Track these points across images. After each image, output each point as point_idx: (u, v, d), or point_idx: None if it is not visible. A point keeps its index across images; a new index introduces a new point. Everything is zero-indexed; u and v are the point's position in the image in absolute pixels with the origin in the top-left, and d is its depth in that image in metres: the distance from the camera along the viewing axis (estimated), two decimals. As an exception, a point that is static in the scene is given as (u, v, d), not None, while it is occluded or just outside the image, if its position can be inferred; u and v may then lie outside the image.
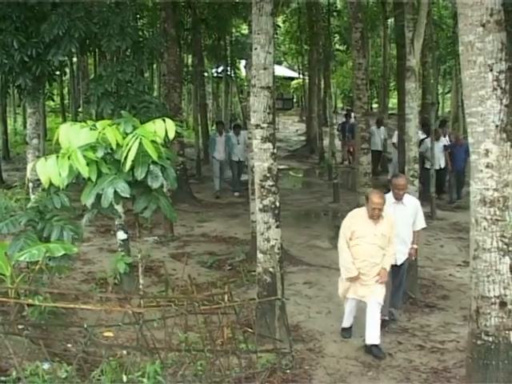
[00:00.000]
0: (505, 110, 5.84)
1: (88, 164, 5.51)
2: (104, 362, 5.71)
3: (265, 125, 7.86)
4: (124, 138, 5.56)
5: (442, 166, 18.05)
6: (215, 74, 33.23)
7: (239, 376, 6.64)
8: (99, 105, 10.65)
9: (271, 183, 7.99)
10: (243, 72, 40.51)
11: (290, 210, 16.65)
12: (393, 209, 8.58)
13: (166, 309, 6.11)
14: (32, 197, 8.78)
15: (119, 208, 10.35)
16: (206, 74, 29.68)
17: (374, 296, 8.01)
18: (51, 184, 5.66)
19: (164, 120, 5.78)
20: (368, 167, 13.32)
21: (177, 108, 17.24)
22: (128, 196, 5.67)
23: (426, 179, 16.26)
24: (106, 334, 6.90)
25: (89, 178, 5.61)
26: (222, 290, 7.14)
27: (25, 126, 28.09)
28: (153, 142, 5.52)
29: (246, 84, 40.53)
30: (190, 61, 31.96)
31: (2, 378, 5.27)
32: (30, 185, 11.54)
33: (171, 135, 5.74)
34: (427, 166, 17.04)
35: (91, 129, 5.75)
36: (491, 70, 5.83)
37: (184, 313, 6.06)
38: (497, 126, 5.86)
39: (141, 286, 6.71)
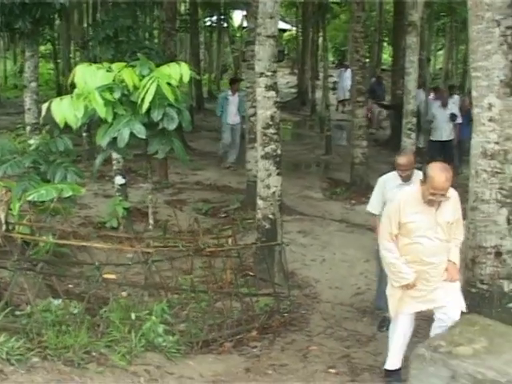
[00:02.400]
0: (510, 65, 5.96)
1: (105, 105, 5.60)
2: (113, 300, 5.89)
3: (269, 73, 7.96)
4: (140, 81, 5.64)
5: (446, 139, 15.03)
6: (208, 24, 32.94)
7: (239, 318, 6.86)
8: (100, 50, 10.69)
9: (273, 131, 8.10)
10: (236, 22, 40.39)
11: (283, 161, 16.75)
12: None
13: (173, 249, 6.29)
14: (31, 141, 8.84)
15: (117, 154, 10.50)
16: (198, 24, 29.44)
17: (452, 301, 5.75)
18: (66, 124, 5.75)
19: (179, 64, 5.88)
20: (363, 120, 13.46)
21: (173, 56, 17.20)
22: (144, 137, 5.79)
23: (433, 152, 14.33)
24: (107, 275, 7.05)
25: (104, 119, 5.71)
26: (226, 234, 7.25)
27: (20, 71, 28.00)
28: (169, 84, 5.62)
29: (238, 35, 40.37)
30: (182, 9, 31.72)
31: (17, 313, 5.44)
32: (28, 128, 11.63)
33: (186, 79, 5.86)
34: (432, 137, 15.25)
35: (107, 71, 5.83)
36: (499, 25, 5.93)
37: (190, 254, 6.23)
38: (501, 81, 5.99)
39: (150, 227, 6.87)
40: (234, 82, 17.35)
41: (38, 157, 8.02)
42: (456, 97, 18.43)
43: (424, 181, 5.52)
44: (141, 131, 5.71)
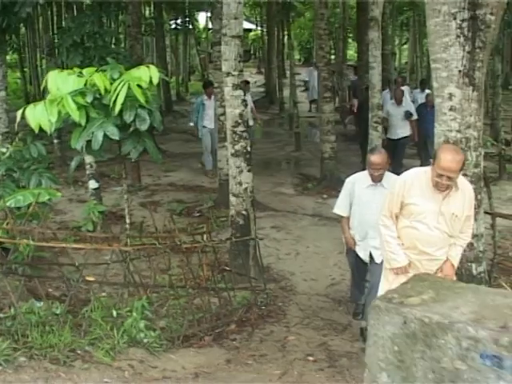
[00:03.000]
0: (467, 56, 6.20)
1: (78, 109, 5.76)
2: (94, 299, 6.04)
3: (236, 72, 8.13)
4: (111, 84, 5.82)
5: (400, 136, 14.36)
6: (173, 26, 33.07)
7: (218, 312, 7.03)
8: (68, 56, 10.79)
9: (242, 129, 8.28)
10: (201, 24, 40.51)
11: (254, 159, 16.93)
12: (371, 192, 6.70)
13: (150, 247, 6.45)
14: (2, 149, 8.94)
15: (90, 158, 10.64)
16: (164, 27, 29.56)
17: None
18: (40, 129, 5.89)
19: (148, 67, 6.06)
20: (331, 115, 13.71)
21: (140, 60, 17.30)
22: (117, 138, 5.96)
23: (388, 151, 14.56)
24: (88, 278, 7.16)
25: (78, 123, 5.87)
26: (201, 231, 7.43)
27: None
28: (139, 86, 5.80)
29: (203, 36, 40.36)
30: (147, 13, 31.80)
31: (0, 315, 5.57)
32: None
33: (155, 81, 6.03)
34: (388, 135, 14.38)
35: (78, 76, 5.99)
36: (455, 19, 6.17)
37: (167, 251, 6.40)
38: (460, 72, 6.24)
39: (127, 226, 7.02)
40: (209, 86, 16.09)
41: (11, 164, 8.13)
42: (405, 87, 18.39)
43: (433, 163, 5.24)
44: (114, 133, 5.88)
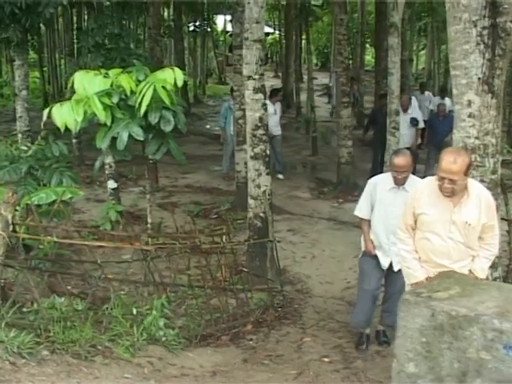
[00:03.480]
0: (487, 63, 6.25)
1: (104, 109, 5.89)
2: (115, 296, 6.15)
3: (257, 76, 8.23)
4: (137, 86, 5.94)
5: (405, 146, 12.39)
6: (192, 29, 33.23)
7: (235, 312, 7.13)
8: (90, 57, 10.94)
9: (262, 132, 8.38)
10: (219, 27, 40.68)
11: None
12: (392, 196, 6.46)
13: (171, 247, 6.56)
14: (22, 147, 9.07)
15: (109, 158, 10.77)
16: (182, 29, 29.74)
17: None
18: (66, 128, 6.02)
19: (172, 69, 6.18)
20: (348, 120, 13.80)
21: (159, 62, 17.44)
22: (142, 139, 6.08)
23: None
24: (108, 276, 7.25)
25: (103, 123, 5.99)
26: (220, 232, 7.53)
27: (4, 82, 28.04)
28: (163, 88, 5.92)
29: (221, 39, 40.42)
30: (166, 15, 32.00)
31: (24, 309, 5.69)
32: (20, 135, 11.88)
33: (179, 83, 6.14)
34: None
35: (104, 77, 6.12)
36: (475, 26, 6.22)
37: (187, 251, 6.51)
38: (479, 79, 6.28)
39: (149, 225, 7.13)
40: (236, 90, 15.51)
41: (33, 162, 8.27)
42: (427, 94, 18.52)
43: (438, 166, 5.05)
44: (139, 133, 6.01)
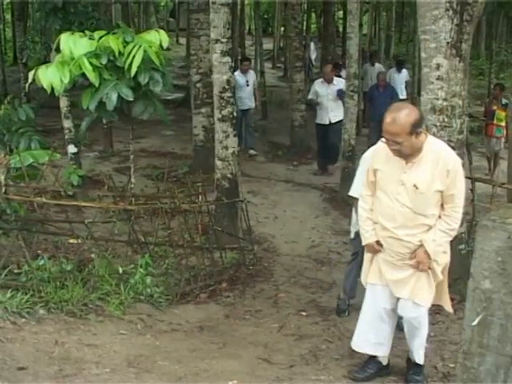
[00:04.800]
0: (455, 28, 6.53)
1: (93, 70, 5.97)
2: (100, 256, 6.29)
3: (224, 40, 8.33)
4: (124, 47, 6.03)
5: (333, 121, 12.61)
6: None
7: (210, 271, 7.33)
8: (47, 20, 10.82)
9: (229, 94, 8.51)
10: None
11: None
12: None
13: (152, 207, 6.70)
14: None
15: (69, 123, 10.76)
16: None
17: (412, 294, 4.82)
18: (52, 90, 6.07)
19: (157, 31, 6.28)
20: (301, 84, 14.04)
21: (116, 25, 17.24)
22: (131, 99, 6.18)
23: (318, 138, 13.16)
24: (72, 240, 7.35)
25: (90, 84, 6.06)
26: (197, 191, 7.70)
27: None
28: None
29: (162, 5, 39.87)
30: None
31: (15, 271, 5.77)
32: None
33: (165, 44, 6.25)
34: (316, 120, 13.06)
35: (90, 38, 6.18)
36: (444, -8, 6.50)
37: (168, 211, 6.67)
38: (448, 43, 6.56)
39: (132, 185, 7.24)
40: (246, 62, 14.56)
41: (1, 127, 8.25)
42: (404, 72, 17.06)
43: None
44: (128, 94, 6.12)
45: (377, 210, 4.87)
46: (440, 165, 4.55)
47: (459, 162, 4.73)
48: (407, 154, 4.57)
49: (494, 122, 13.22)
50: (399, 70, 16.88)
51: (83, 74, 6.13)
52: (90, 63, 5.94)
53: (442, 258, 4.80)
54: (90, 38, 6.21)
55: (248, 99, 14.04)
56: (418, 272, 4.76)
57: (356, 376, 5.12)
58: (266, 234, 9.41)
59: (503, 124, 12.91)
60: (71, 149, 10.93)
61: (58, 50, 6.36)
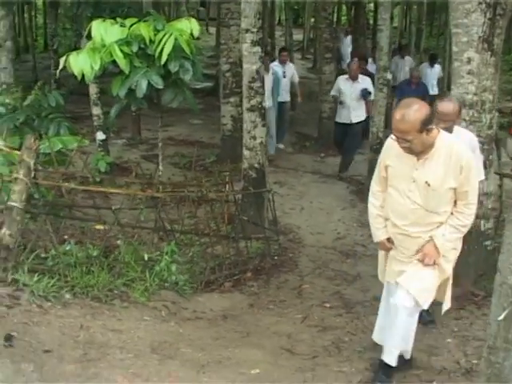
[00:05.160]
0: (488, 22, 6.46)
1: (124, 57, 6.01)
2: (126, 242, 6.33)
3: (255, 29, 8.31)
4: (155, 35, 6.07)
5: (354, 121, 11.89)
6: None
7: (236, 260, 7.36)
8: (79, 8, 10.91)
9: (259, 84, 8.50)
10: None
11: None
12: None
13: (180, 195, 6.74)
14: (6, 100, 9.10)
15: (98, 109, 10.84)
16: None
17: (406, 282, 4.69)
18: (82, 76, 6.13)
19: (188, 19, 6.29)
20: (330, 76, 13.99)
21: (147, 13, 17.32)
22: (161, 87, 6.23)
23: (337, 138, 12.34)
24: (98, 226, 7.42)
25: (120, 71, 6.11)
26: (223, 181, 7.73)
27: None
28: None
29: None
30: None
31: (42, 255, 5.83)
32: (4, 87, 11.82)
33: (196, 33, 6.27)
34: (336, 118, 12.32)
35: (121, 26, 6.21)
36: (478, -15, 6.44)
37: (195, 199, 6.70)
38: (479, 37, 6.50)
39: (160, 173, 7.28)
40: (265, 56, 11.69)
41: (31, 112, 8.33)
42: (437, 67, 16.21)
43: None
44: (158, 82, 6.16)
45: (388, 206, 4.78)
46: (453, 161, 4.45)
47: (472, 158, 4.61)
48: (418, 151, 4.46)
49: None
50: (432, 65, 16.15)
51: (114, 62, 6.19)
52: (121, 50, 5.99)
53: (452, 254, 4.74)
54: (121, 26, 6.24)
55: (284, 92, 13.37)
56: (424, 268, 4.64)
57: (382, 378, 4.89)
58: (291, 225, 9.42)
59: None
60: (100, 135, 11.04)
61: (88, 37, 6.40)
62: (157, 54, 6.06)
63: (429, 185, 4.48)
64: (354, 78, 11.76)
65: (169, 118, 16.32)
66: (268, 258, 7.83)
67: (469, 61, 6.59)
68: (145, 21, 6.34)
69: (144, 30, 6.01)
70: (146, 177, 8.66)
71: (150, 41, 6.11)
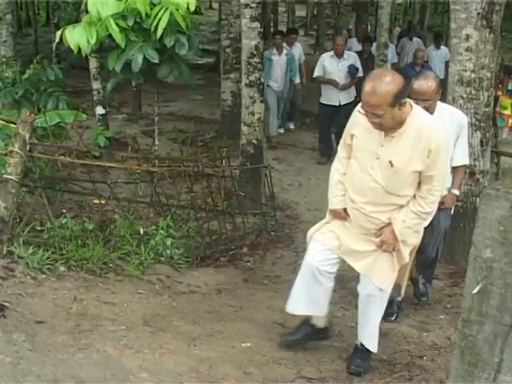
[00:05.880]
0: (487, -1, 6.46)
1: (119, 31, 6.01)
2: (122, 216, 6.36)
3: (254, 4, 8.30)
4: (151, 9, 6.07)
5: (343, 102, 11.01)
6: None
7: (232, 235, 7.39)
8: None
9: (257, 60, 8.50)
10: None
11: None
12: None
13: (175, 169, 6.76)
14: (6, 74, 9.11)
15: (97, 84, 10.82)
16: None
17: (368, 271, 4.52)
18: (79, 50, 6.14)
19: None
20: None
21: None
22: (157, 61, 6.24)
23: (322, 120, 11.60)
24: (96, 201, 7.44)
25: (116, 45, 6.11)
26: (221, 156, 7.74)
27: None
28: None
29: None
30: None
31: (38, 228, 5.87)
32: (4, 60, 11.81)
33: (192, 7, 6.26)
34: (321, 99, 11.39)
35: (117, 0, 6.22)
36: (477, -39, 6.41)
37: (191, 174, 6.72)
38: (478, 14, 6.49)
39: (156, 147, 7.29)
40: (280, 36, 12.38)
41: (30, 86, 8.35)
42: (444, 49, 14.89)
43: None
44: (153, 56, 6.17)
45: (348, 178, 4.45)
46: (422, 143, 4.10)
47: (444, 143, 4.26)
48: (388, 126, 4.11)
49: (497, 109, 11.61)
50: (437, 47, 14.92)
51: (110, 35, 6.19)
52: (117, 24, 5.99)
53: (412, 238, 4.49)
54: (117, 0, 6.23)
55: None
56: (380, 252, 4.41)
57: (285, 338, 4.92)
58: (289, 201, 9.45)
59: (507, 112, 12.00)
60: (99, 110, 11.02)
61: (87, 10, 6.40)
62: (152, 29, 6.07)
63: (392, 165, 4.16)
64: (339, 55, 10.87)
65: (170, 94, 16.38)
66: (264, 234, 7.87)
67: (467, 38, 6.59)
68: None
69: (140, 4, 6.01)
70: (144, 152, 8.71)
71: (146, 15, 6.10)
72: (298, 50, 13.10)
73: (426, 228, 4.98)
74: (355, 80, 10.77)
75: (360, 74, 10.73)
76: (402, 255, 4.45)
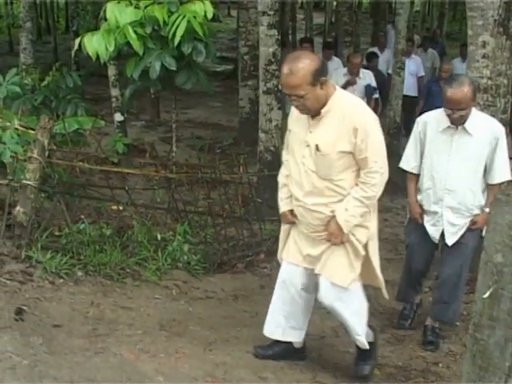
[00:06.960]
0: (504, 6, 6.44)
1: (137, 39, 6.08)
2: (139, 222, 6.41)
3: (271, 12, 8.33)
4: (169, 17, 6.14)
5: None
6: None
7: (249, 242, 7.40)
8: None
9: (275, 67, 8.52)
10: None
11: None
12: (447, 139, 5.01)
13: (193, 176, 6.80)
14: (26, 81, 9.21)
15: (116, 91, 10.91)
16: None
17: (326, 269, 4.34)
18: (98, 57, 6.21)
19: (203, 1, 6.34)
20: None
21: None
22: (174, 69, 6.30)
23: None
24: (114, 207, 7.50)
25: (135, 53, 6.18)
26: (238, 162, 7.77)
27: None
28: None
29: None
30: None
31: (56, 233, 5.93)
32: (24, 67, 11.94)
33: (209, 15, 6.32)
34: None
35: (135, 7, 6.28)
36: (494, -32, 6.40)
37: (208, 180, 6.76)
38: (495, 21, 6.48)
39: (174, 154, 7.34)
40: (307, 44, 11.34)
41: (49, 93, 8.43)
42: (431, 52, 14.48)
43: None
44: (171, 63, 6.23)
45: (290, 177, 4.36)
46: (345, 122, 3.99)
47: (372, 121, 4.13)
48: (313, 108, 4.02)
49: None
50: (464, 59, 12.39)
51: (128, 43, 6.26)
52: (135, 32, 6.06)
53: (361, 232, 4.27)
54: (135, 7, 6.30)
55: None
56: (332, 247, 4.26)
57: (258, 351, 4.79)
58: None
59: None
60: (118, 117, 11.09)
61: (105, 18, 6.48)
62: (170, 36, 6.13)
63: (318, 149, 4.05)
64: (354, 74, 9.81)
65: (188, 101, 16.48)
66: (281, 240, 7.85)
67: (484, 44, 6.58)
68: (159, 3, 6.39)
69: (158, 11, 6.07)
70: (162, 158, 8.77)
71: (164, 22, 6.17)
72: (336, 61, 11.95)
73: (451, 246, 5.06)
74: (373, 104, 9.58)
75: (376, 95, 10.13)
76: (355, 248, 4.28)
